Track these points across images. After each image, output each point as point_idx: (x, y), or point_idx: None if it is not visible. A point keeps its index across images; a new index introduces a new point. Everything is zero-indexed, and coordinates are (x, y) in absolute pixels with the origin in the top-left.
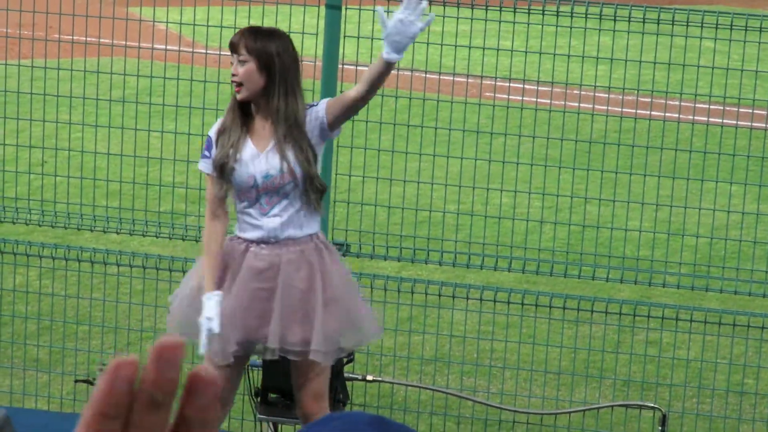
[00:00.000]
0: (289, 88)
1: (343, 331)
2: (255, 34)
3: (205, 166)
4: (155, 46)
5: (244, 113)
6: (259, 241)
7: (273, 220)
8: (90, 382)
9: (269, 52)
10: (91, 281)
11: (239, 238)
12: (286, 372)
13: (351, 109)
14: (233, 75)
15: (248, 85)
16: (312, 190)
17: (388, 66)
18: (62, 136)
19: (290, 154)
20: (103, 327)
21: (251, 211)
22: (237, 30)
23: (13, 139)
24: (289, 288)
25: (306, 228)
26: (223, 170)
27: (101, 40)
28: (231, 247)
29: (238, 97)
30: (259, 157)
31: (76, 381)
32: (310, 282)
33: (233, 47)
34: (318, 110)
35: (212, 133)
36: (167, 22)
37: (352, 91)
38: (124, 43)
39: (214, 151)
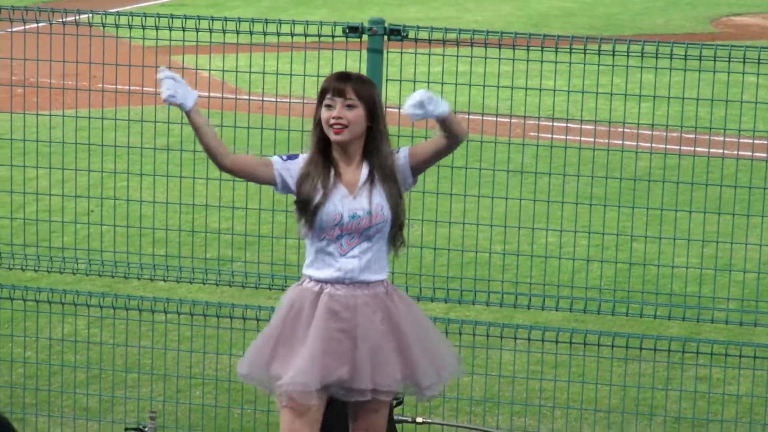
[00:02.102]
0: (385, 134)
1: (425, 370)
2: (361, 80)
3: (276, 162)
4: (199, 93)
5: (325, 157)
6: (334, 282)
7: (351, 261)
8: (141, 430)
9: (375, 98)
10: (140, 329)
11: (311, 280)
12: (338, 414)
13: (435, 155)
14: (338, 118)
15: (353, 128)
16: (400, 234)
17: (442, 122)
18: (108, 185)
19: (379, 198)
20: (152, 375)
21: (330, 249)
22: (330, 74)
23: (60, 189)
24: (369, 329)
25: (379, 273)
26: (309, 204)
27: (145, 89)
28: (302, 291)
29: (339, 138)
30: (349, 197)
31: (126, 429)
32: (385, 326)
33: (339, 92)
34: (403, 154)
35: (302, 157)
36: (210, 70)
37: (439, 137)
38: None
39: (293, 167)
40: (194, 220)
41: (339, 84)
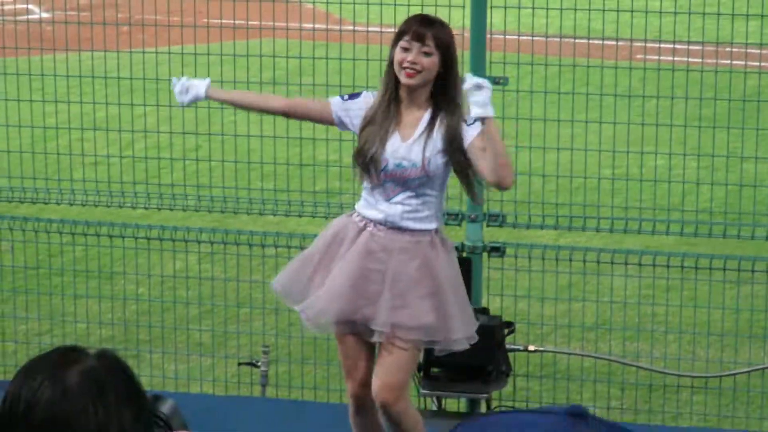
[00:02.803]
0: (457, 83)
1: (457, 323)
2: (441, 26)
3: (335, 103)
4: (303, 25)
5: (390, 101)
6: (378, 222)
7: (395, 207)
8: (254, 365)
9: (452, 47)
10: (250, 264)
11: (359, 214)
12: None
13: (475, 167)
14: (413, 63)
15: (426, 74)
16: (470, 183)
17: (484, 131)
18: (215, 121)
19: (432, 150)
20: (263, 309)
21: (376, 193)
22: (410, 16)
23: (167, 125)
24: (401, 274)
25: (425, 223)
26: (364, 156)
27: (249, 23)
28: (347, 222)
29: (411, 81)
30: (401, 146)
31: (240, 364)
32: (420, 273)
33: (419, 37)
34: (470, 134)
35: (365, 95)
36: (314, 2)
37: (488, 171)
38: (272, 24)
39: (354, 107)
40: (302, 153)
41: (420, 28)
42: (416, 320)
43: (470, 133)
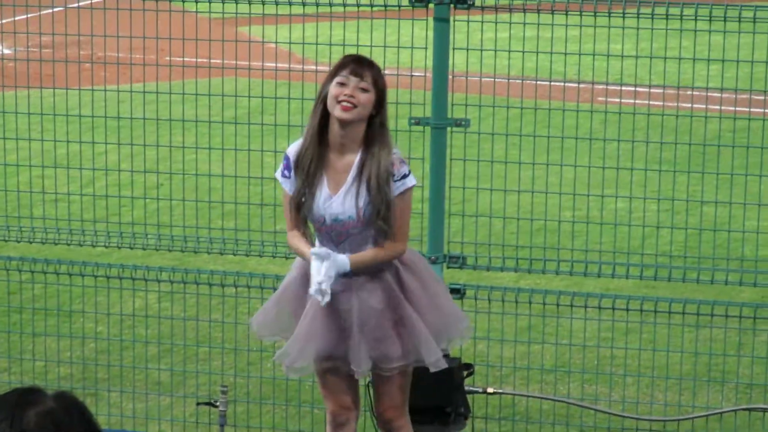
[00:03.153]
0: (387, 129)
1: (430, 346)
2: (378, 69)
3: (288, 186)
4: (266, 64)
5: (320, 140)
6: None
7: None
8: (213, 404)
9: (386, 90)
10: (210, 303)
11: None
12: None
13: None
14: (350, 96)
15: (361, 110)
16: (381, 234)
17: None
18: (176, 159)
19: (365, 199)
20: (223, 348)
21: (324, 239)
22: (347, 54)
23: (129, 163)
24: (367, 311)
25: None
26: (297, 202)
27: (212, 61)
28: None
29: (346, 115)
30: (331, 200)
31: (198, 404)
32: (385, 304)
33: (357, 72)
34: (401, 183)
35: (290, 154)
36: (277, 42)
37: (389, 243)
38: (234, 63)
39: (293, 174)
40: (263, 193)
41: (358, 66)
42: (395, 351)
43: (395, 185)
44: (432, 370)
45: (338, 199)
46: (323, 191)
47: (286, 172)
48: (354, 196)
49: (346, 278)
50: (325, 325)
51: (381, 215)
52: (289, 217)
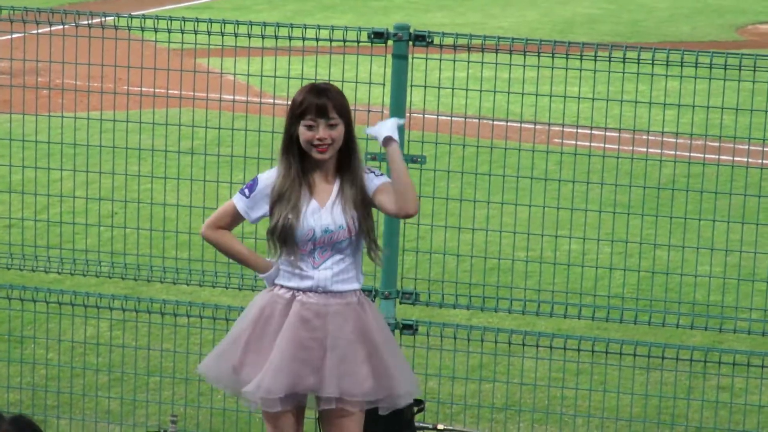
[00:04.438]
0: (357, 146)
1: (399, 378)
2: (336, 93)
3: (240, 203)
4: (223, 96)
5: (300, 174)
6: (306, 290)
7: (324, 272)
8: None
9: (350, 111)
10: (162, 332)
11: (281, 287)
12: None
13: (383, 210)
14: (322, 139)
15: (337, 144)
16: (374, 244)
17: (392, 155)
18: (132, 188)
19: (351, 210)
20: (174, 378)
21: (302, 264)
22: (302, 89)
23: (84, 191)
24: (339, 338)
25: (350, 284)
26: (282, 232)
27: (170, 92)
28: (271, 298)
29: (325, 156)
30: (320, 212)
31: None
32: (355, 335)
33: (321, 111)
34: (374, 183)
35: (261, 181)
36: (235, 74)
37: (392, 204)
38: (192, 94)
39: (254, 199)
40: None
41: (319, 100)
42: (359, 387)
43: (375, 183)
44: (399, 404)
45: (326, 210)
46: (311, 205)
47: (246, 191)
48: (342, 206)
49: (324, 302)
50: (294, 359)
51: (366, 223)
52: (221, 218)
